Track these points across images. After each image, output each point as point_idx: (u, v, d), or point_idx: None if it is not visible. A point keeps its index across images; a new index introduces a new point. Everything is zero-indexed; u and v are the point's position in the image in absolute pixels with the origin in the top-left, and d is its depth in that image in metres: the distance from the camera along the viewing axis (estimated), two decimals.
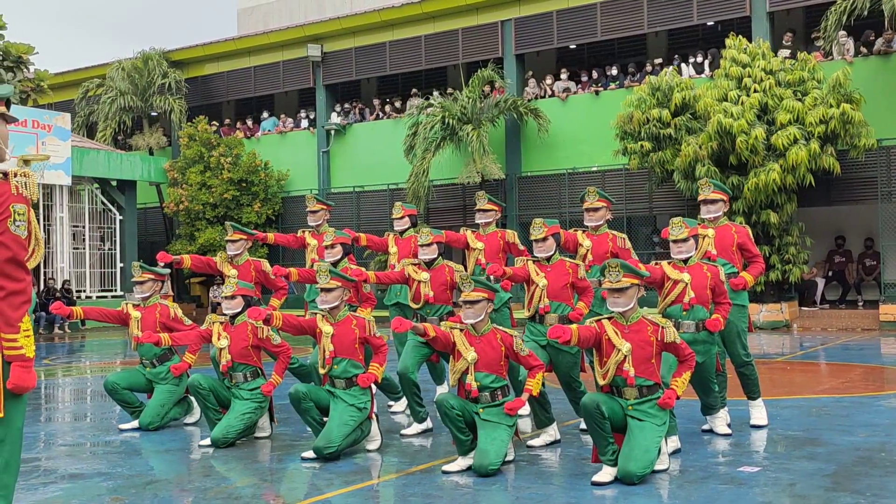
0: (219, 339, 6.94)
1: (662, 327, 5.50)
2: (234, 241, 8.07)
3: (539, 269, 6.52)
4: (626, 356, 5.41)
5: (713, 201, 6.88)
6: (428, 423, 7.06)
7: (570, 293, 6.52)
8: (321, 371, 6.42)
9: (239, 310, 6.95)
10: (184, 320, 7.70)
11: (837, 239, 18.49)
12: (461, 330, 5.87)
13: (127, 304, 7.78)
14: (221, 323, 7.05)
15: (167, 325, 7.56)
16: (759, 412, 6.98)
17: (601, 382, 5.55)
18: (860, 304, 17.58)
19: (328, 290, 6.38)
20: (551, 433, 6.50)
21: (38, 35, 50.16)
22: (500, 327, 5.98)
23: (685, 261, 6.26)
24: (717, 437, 6.59)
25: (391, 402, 8.22)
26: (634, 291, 5.51)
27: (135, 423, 7.48)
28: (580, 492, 5.18)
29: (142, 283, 7.71)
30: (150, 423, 7.40)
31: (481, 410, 5.76)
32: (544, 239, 6.50)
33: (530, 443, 6.44)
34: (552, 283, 6.45)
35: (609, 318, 5.57)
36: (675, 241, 6.25)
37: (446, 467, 5.73)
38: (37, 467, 6.11)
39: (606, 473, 5.34)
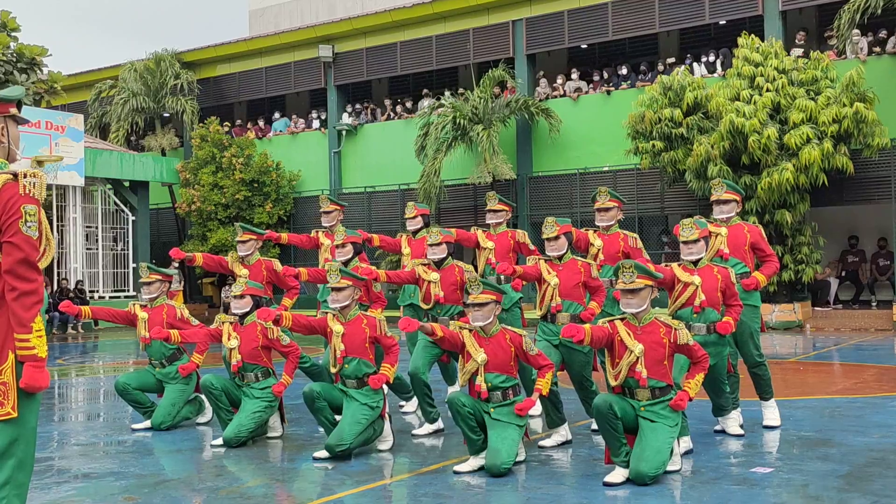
0: (229, 339, 6.96)
1: (675, 329, 5.47)
2: (244, 242, 8.09)
3: (551, 267, 6.52)
4: (638, 357, 5.39)
5: (726, 201, 6.85)
6: (439, 424, 7.05)
7: (581, 292, 6.51)
8: (332, 370, 6.43)
9: (248, 309, 6.96)
10: (191, 320, 7.71)
11: (851, 239, 18.38)
12: (470, 331, 5.86)
13: (134, 304, 7.81)
14: (231, 323, 7.06)
15: (174, 325, 7.58)
16: (771, 413, 6.95)
17: (613, 383, 5.52)
18: (874, 304, 17.46)
19: (339, 290, 6.39)
20: (563, 433, 6.48)
21: (51, 37, 50.48)
22: (510, 327, 5.96)
23: (695, 262, 6.23)
24: (729, 437, 6.57)
25: (403, 403, 8.23)
26: (648, 293, 5.49)
27: (147, 423, 7.51)
28: (592, 492, 5.17)
29: (149, 283, 7.74)
30: (161, 422, 7.43)
31: (492, 410, 5.76)
32: (556, 238, 6.49)
33: (542, 443, 6.43)
34: (564, 282, 6.44)
35: (622, 319, 5.55)
36: (685, 243, 6.21)
37: (458, 467, 5.72)
38: (50, 467, 6.13)
39: (618, 474, 5.33)
